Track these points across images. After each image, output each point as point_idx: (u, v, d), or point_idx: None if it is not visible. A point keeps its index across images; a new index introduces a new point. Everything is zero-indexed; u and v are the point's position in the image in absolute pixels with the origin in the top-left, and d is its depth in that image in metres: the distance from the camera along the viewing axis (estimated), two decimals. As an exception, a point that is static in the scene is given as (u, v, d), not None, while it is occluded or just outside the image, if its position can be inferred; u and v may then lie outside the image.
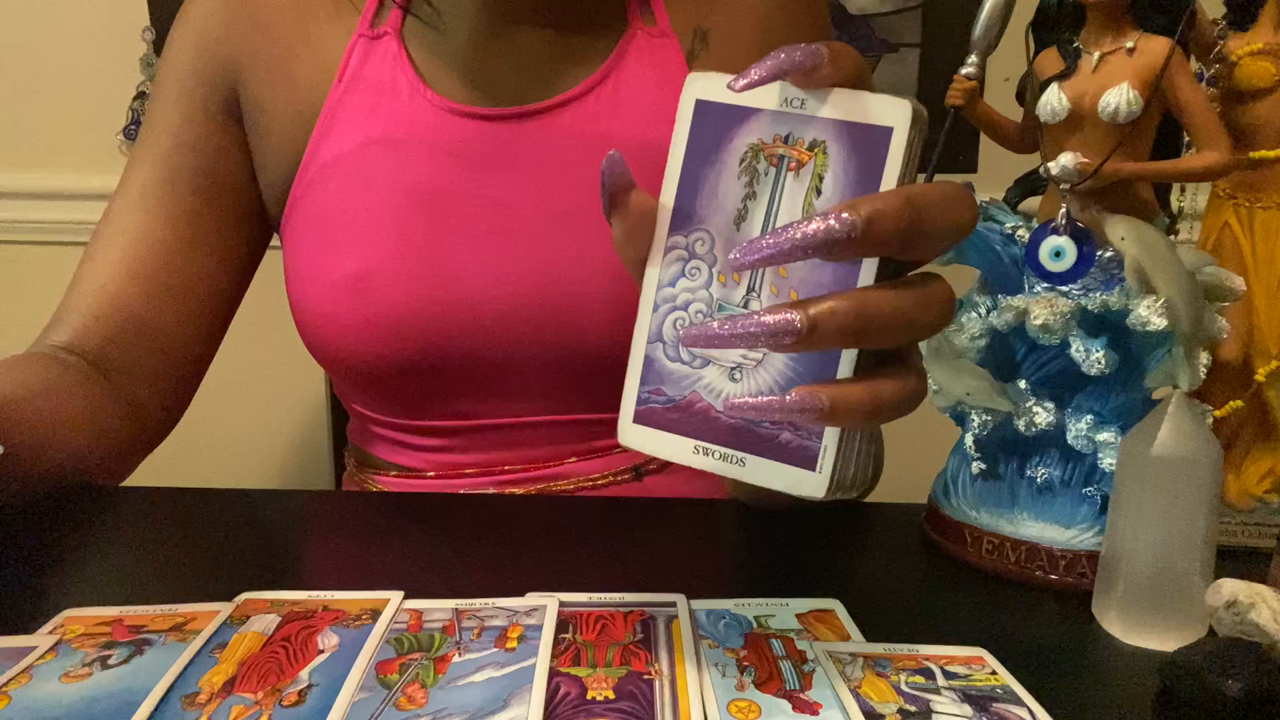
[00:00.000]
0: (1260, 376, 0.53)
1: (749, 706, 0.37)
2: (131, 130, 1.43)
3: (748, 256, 0.33)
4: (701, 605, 0.45)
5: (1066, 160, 0.47)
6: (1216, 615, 0.41)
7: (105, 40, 1.40)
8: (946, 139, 0.48)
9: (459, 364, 0.67)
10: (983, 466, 0.52)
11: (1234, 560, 0.52)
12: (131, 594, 0.47)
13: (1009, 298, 0.50)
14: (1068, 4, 0.50)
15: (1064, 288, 0.49)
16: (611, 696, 0.38)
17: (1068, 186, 0.48)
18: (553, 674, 0.39)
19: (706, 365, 0.37)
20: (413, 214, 0.66)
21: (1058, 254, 0.48)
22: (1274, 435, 0.54)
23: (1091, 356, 0.48)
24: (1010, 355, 0.52)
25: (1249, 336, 0.54)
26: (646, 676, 0.39)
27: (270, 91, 0.69)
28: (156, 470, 0.69)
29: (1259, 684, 0.38)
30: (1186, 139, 0.50)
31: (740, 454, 0.36)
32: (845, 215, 0.31)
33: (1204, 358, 0.49)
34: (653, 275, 0.37)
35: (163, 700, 0.37)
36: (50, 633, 0.42)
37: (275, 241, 0.75)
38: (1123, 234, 0.47)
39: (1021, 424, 0.50)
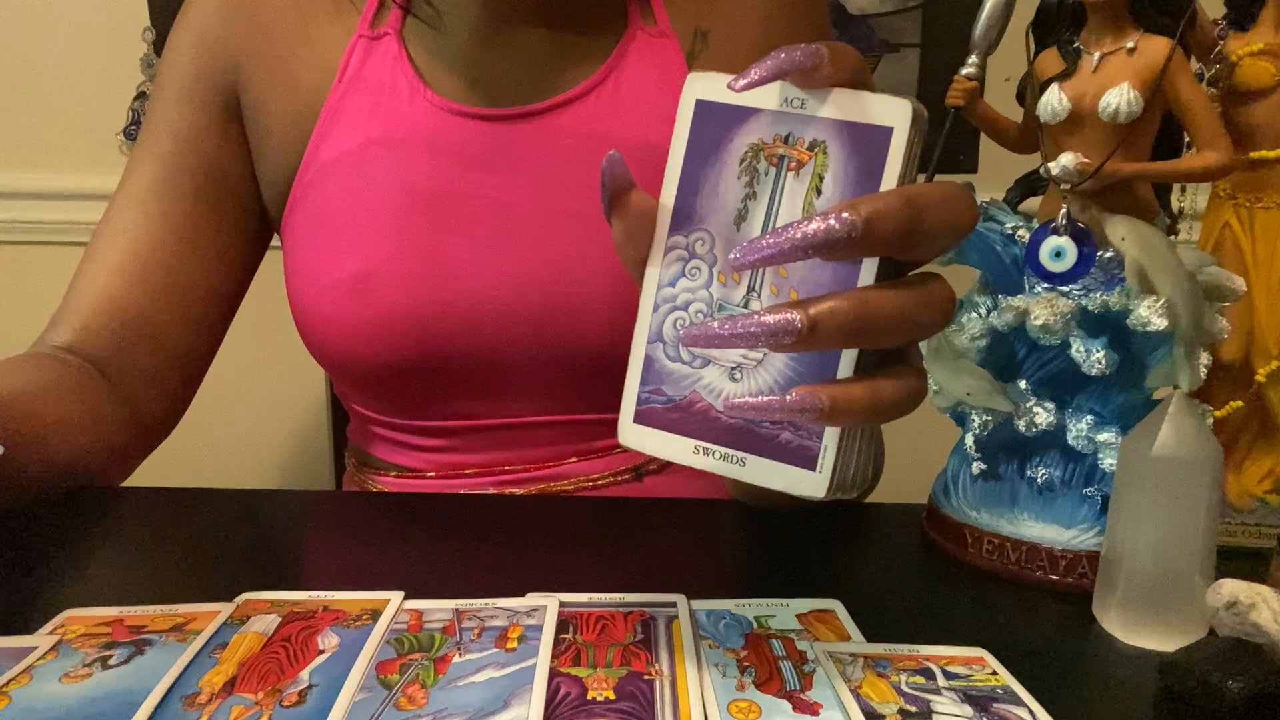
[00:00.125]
0: (1261, 377, 0.53)
1: (749, 707, 0.37)
2: (132, 130, 1.43)
3: (748, 256, 0.33)
4: (702, 605, 0.45)
5: (1067, 160, 0.47)
6: (1217, 616, 0.41)
7: (105, 40, 1.40)
8: (947, 139, 0.48)
9: (459, 364, 0.67)
10: (983, 467, 0.52)
11: (1234, 560, 0.52)
12: (132, 594, 0.47)
13: (1009, 298, 0.50)
14: (1068, 4, 0.49)
15: (1064, 288, 0.49)
16: (612, 697, 0.38)
17: (1068, 187, 0.48)
18: (553, 674, 0.39)
19: (706, 365, 0.37)
20: (413, 214, 0.66)
21: (1058, 254, 0.48)
22: (1274, 435, 0.54)
23: (1092, 357, 0.48)
24: (1011, 355, 0.52)
25: (1249, 337, 0.53)
26: (647, 677, 0.39)
27: (270, 92, 0.69)
28: (156, 470, 0.69)
29: (1259, 684, 0.38)
30: (1186, 139, 0.50)
31: (740, 454, 0.36)
32: (845, 215, 0.31)
33: (1204, 358, 0.49)
34: (653, 275, 0.37)
35: (163, 700, 0.37)
36: (51, 633, 0.42)
37: (275, 241, 0.75)
38: (1123, 234, 0.47)
39: (1022, 424, 0.50)
